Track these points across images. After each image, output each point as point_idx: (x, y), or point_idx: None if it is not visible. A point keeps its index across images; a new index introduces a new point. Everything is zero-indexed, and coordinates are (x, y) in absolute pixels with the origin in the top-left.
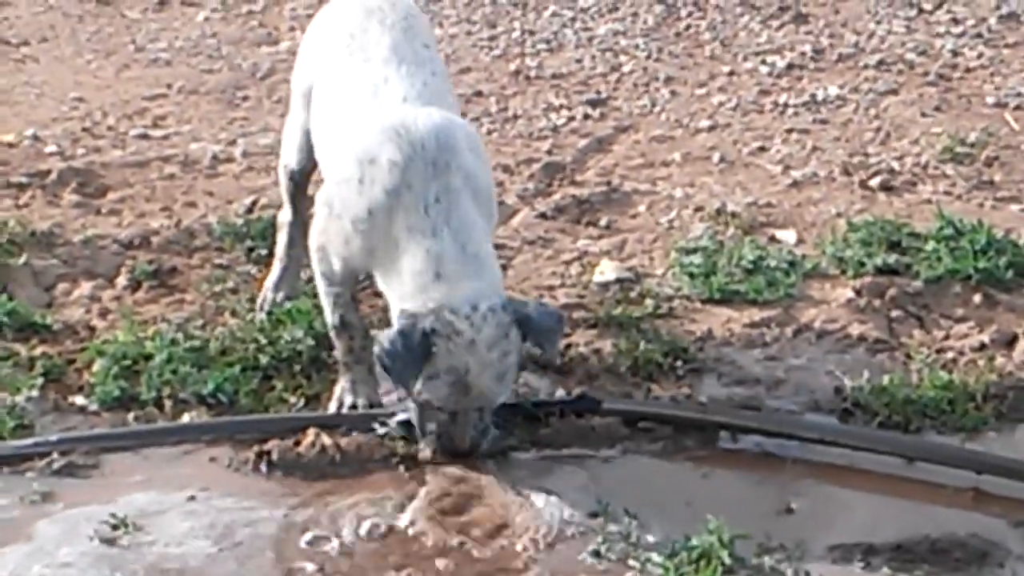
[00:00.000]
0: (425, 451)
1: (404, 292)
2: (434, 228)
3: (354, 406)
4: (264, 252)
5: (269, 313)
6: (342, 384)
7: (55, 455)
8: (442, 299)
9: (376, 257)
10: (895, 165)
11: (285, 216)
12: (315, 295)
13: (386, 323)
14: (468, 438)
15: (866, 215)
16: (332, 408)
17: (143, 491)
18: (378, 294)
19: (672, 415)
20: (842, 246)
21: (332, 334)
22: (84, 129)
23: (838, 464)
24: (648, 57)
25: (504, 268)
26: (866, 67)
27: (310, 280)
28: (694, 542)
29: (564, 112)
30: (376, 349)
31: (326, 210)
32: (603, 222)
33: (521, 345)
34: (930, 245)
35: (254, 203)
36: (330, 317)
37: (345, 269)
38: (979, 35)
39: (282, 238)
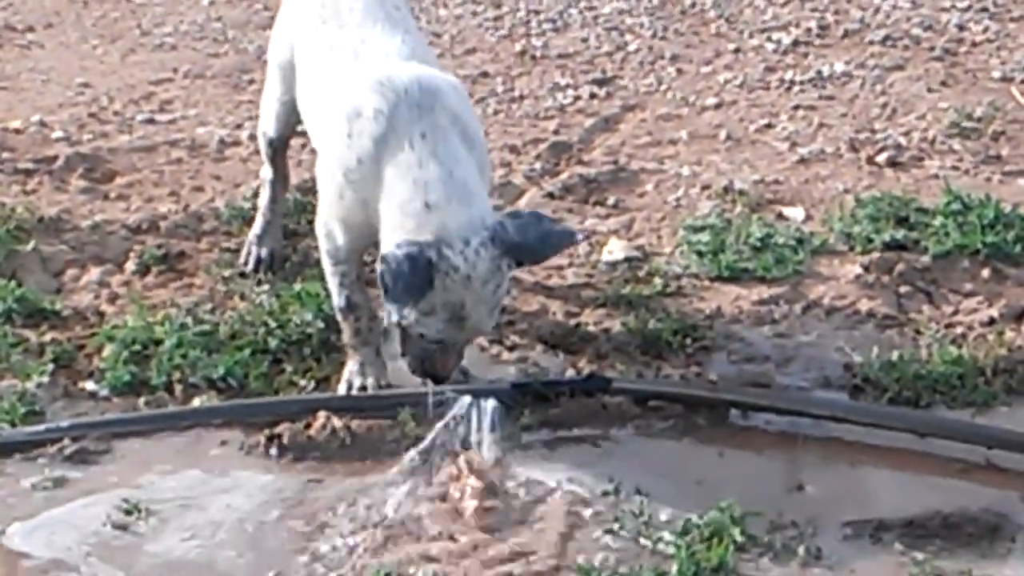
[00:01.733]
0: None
1: (395, 224)
2: (419, 160)
3: (363, 388)
4: None
5: (256, 265)
6: (350, 367)
7: (66, 441)
8: (436, 231)
9: (370, 205)
10: (902, 140)
11: (266, 174)
12: (324, 278)
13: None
14: (451, 364)
15: (873, 191)
16: (341, 391)
17: (156, 476)
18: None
19: (682, 393)
20: (850, 222)
21: (339, 316)
22: (90, 114)
23: (849, 440)
24: (653, 35)
25: None
26: (872, 43)
27: (319, 263)
28: (706, 520)
29: (570, 92)
30: (378, 267)
31: (324, 175)
32: (611, 201)
33: (510, 276)
34: (938, 220)
35: (259, 187)
36: (336, 298)
37: (350, 238)
38: (985, 9)
39: (265, 193)
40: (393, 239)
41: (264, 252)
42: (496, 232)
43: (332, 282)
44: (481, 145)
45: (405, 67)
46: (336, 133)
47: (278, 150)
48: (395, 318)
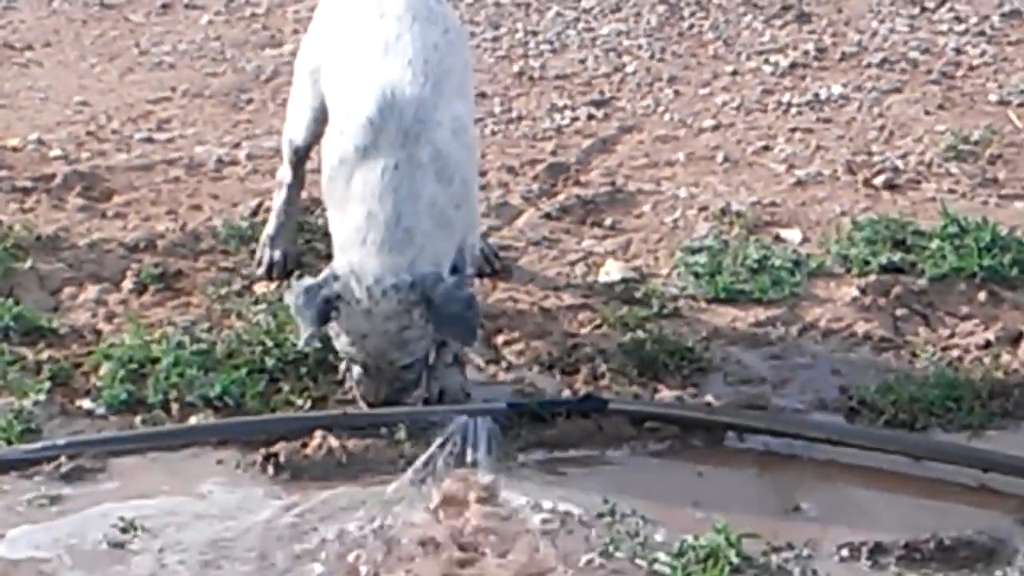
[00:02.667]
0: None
1: (338, 243)
2: (382, 193)
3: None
4: None
5: (270, 268)
6: (267, 231)
7: (63, 459)
8: (355, 265)
9: (334, 197)
10: (899, 163)
11: (285, 176)
12: None
13: None
14: (379, 392)
15: (870, 213)
16: (257, 257)
17: (152, 494)
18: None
19: (678, 415)
20: (847, 245)
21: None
22: (89, 133)
23: (845, 463)
24: (651, 57)
25: (508, 269)
26: (869, 66)
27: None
28: (701, 541)
29: (568, 113)
30: (286, 295)
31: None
32: (608, 222)
33: (426, 323)
34: (935, 243)
35: (259, 206)
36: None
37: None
38: (982, 33)
39: (281, 195)
40: (337, 255)
41: (277, 254)
42: (422, 281)
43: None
44: (463, 184)
45: (416, 84)
46: (336, 125)
47: (302, 158)
48: (302, 338)
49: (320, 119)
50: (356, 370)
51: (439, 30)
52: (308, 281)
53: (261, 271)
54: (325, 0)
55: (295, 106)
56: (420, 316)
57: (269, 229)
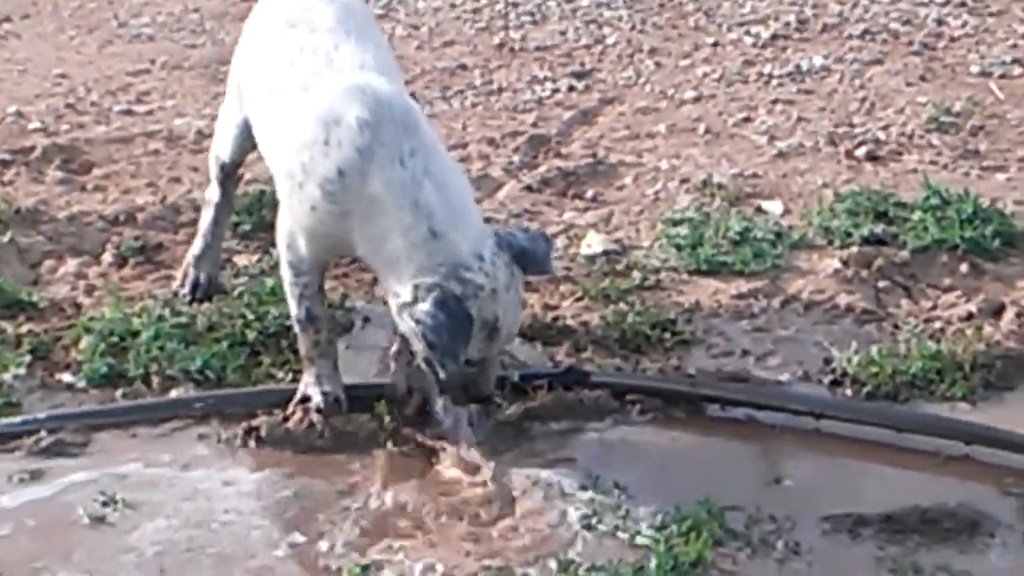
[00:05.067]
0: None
1: (400, 257)
2: (413, 179)
3: (327, 399)
4: (249, 228)
5: (194, 289)
6: (306, 379)
7: (43, 433)
8: (449, 258)
9: (351, 223)
10: (880, 135)
11: (213, 195)
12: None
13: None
14: (492, 382)
15: (852, 185)
16: (294, 404)
17: (133, 468)
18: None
19: (660, 387)
20: (828, 216)
21: (296, 328)
22: (68, 105)
23: (827, 434)
24: (632, 28)
25: None
26: (850, 37)
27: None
28: (684, 514)
29: (549, 84)
30: (415, 328)
31: (287, 184)
32: (589, 194)
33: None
34: (916, 215)
35: (239, 179)
36: (295, 310)
37: (314, 249)
38: (963, 4)
39: (208, 214)
40: (405, 274)
41: (202, 276)
42: (502, 238)
43: (291, 292)
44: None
45: (383, 82)
46: (309, 138)
47: (229, 174)
48: (453, 368)
49: (247, 135)
50: (455, 379)
51: (372, 43)
52: (427, 300)
53: (184, 291)
54: (250, 19)
55: (222, 122)
56: (518, 270)
57: (194, 250)
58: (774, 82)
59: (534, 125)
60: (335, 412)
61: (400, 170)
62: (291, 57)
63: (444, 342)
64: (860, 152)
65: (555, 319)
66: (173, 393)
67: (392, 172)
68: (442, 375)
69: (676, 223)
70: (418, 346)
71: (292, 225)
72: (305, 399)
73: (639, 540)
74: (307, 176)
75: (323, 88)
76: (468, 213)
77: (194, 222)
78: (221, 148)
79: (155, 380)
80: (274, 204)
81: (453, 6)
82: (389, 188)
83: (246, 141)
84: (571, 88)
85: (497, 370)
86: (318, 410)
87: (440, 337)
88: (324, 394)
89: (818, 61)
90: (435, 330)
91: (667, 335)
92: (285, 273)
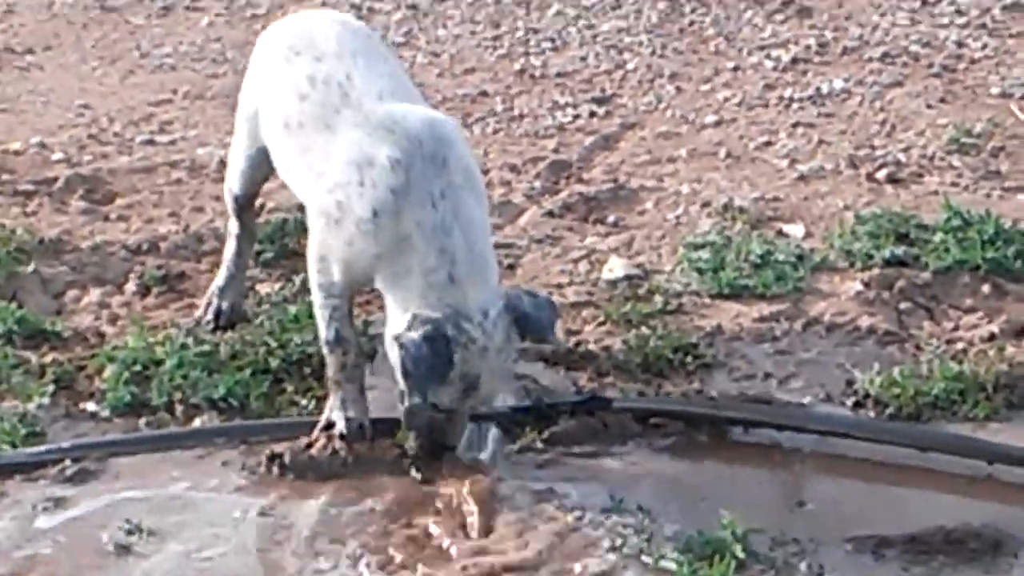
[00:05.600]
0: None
1: (413, 293)
2: (443, 224)
3: (351, 425)
4: (271, 255)
5: (216, 317)
6: (332, 403)
7: (67, 461)
8: (456, 304)
9: (383, 259)
10: (901, 157)
11: (232, 228)
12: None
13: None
14: (459, 435)
15: (873, 207)
16: (319, 429)
17: (157, 495)
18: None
19: (683, 411)
20: (850, 239)
21: (325, 350)
22: (90, 136)
23: (850, 457)
24: (652, 54)
25: (512, 267)
26: (871, 60)
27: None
28: (707, 537)
29: (569, 110)
30: (398, 351)
31: (323, 220)
32: (611, 219)
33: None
34: (938, 236)
35: (261, 207)
36: (324, 331)
37: (347, 277)
38: (983, 25)
39: (231, 246)
40: (410, 308)
41: (225, 305)
42: (510, 302)
43: (321, 315)
44: (483, 192)
45: (408, 110)
46: (341, 179)
47: (244, 207)
48: (417, 401)
49: (259, 166)
50: (420, 419)
51: (380, 59)
52: (418, 330)
53: (207, 319)
54: (255, 51)
55: (233, 155)
56: (516, 337)
57: (219, 280)
58: (795, 105)
59: (555, 151)
60: (359, 439)
61: (432, 212)
62: (302, 89)
63: (418, 374)
64: (881, 174)
65: (577, 344)
66: (197, 422)
67: (424, 214)
68: (403, 404)
69: (698, 247)
70: (398, 376)
71: (326, 254)
72: (329, 425)
73: (663, 563)
74: (343, 214)
75: (349, 128)
76: (487, 265)
77: (216, 251)
78: (233, 181)
79: (179, 408)
80: (296, 232)
81: (473, 33)
82: (420, 229)
83: (258, 173)
84: (592, 114)
85: (465, 425)
86: (341, 436)
87: (416, 368)
88: (348, 420)
89: (838, 84)
90: (415, 360)
91: (689, 359)
92: (316, 296)
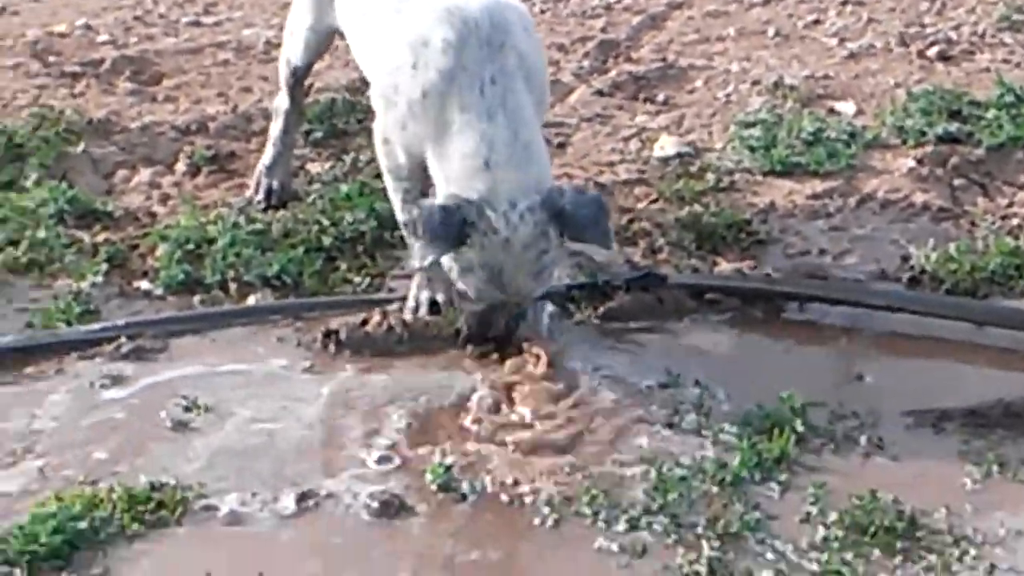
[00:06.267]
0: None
1: (450, 175)
2: (489, 110)
3: (433, 302)
4: (320, 135)
5: (268, 196)
6: (417, 280)
7: (123, 339)
8: (484, 192)
9: (428, 140)
10: (952, 35)
11: (282, 103)
12: (378, 175)
13: None
14: (502, 326)
15: (925, 85)
16: (408, 307)
17: (213, 373)
18: None
19: (738, 287)
20: (902, 116)
21: (404, 232)
22: (136, 17)
23: (907, 332)
24: None
25: (562, 145)
26: None
27: (372, 161)
28: (766, 411)
29: None
30: (412, 212)
31: (382, 102)
32: (660, 98)
33: (560, 241)
34: (991, 113)
35: (309, 86)
36: (400, 214)
37: (410, 160)
38: None
39: (278, 123)
40: (443, 189)
41: (275, 183)
42: (549, 197)
43: (395, 198)
44: (543, 83)
45: None
46: (399, 61)
47: (300, 79)
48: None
49: (323, 39)
50: (469, 306)
51: None
52: (438, 200)
53: (259, 198)
54: None
55: (294, 26)
56: (555, 235)
57: (266, 159)
58: None
59: (603, 30)
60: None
61: (479, 97)
62: None
63: (423, 236)
64: (932, 52)
65: (631, 221)
66: (251, 299)
67: (471, 98)
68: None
69: (749, 125)
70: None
71: (389, 135)
72: (417, 303)
73: (722, 437)
74: (398, 96)
75: (414, 10)
76: (528, 159)
77: (264, 131)
78: (293, 52)
79: (232, 287)
80: (345, 112)
81: None
82: (463, 114)
83: (320, 45)
84: None
85: (507, 319)
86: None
87: (423, 229)
88: (436, 295)
89: None
90: (424, 221)
91: (743, 235)
92: (387, 180)
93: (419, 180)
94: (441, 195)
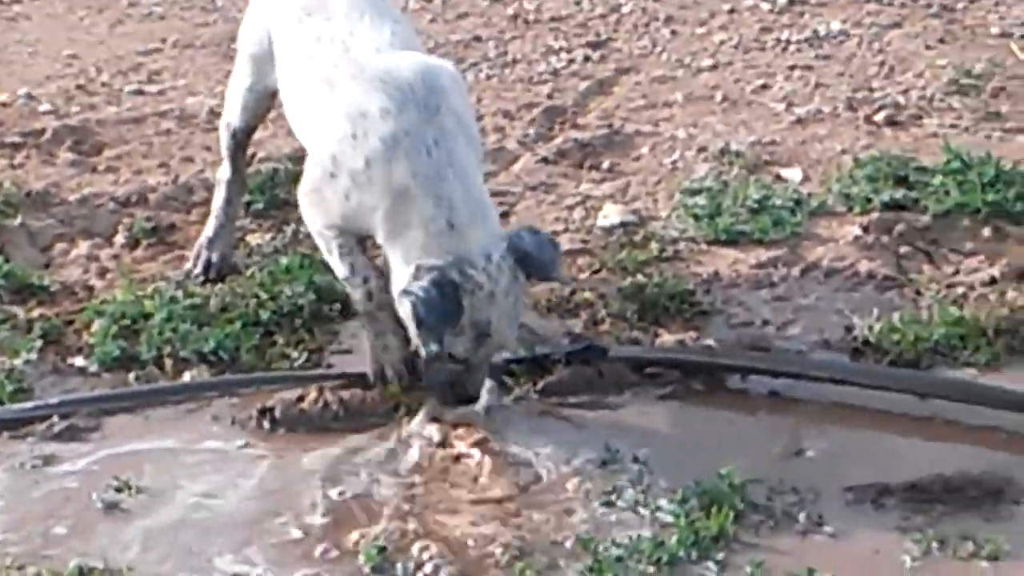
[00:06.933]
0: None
1: (415, 244)
2: (439, 172)
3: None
4: (262, 206)
5: (206, 269)
6: (372, 342)
7: (55, 418)
8: (457, 251)
9: (380, 212)
10: (900, 99)
11: (224, 173)
12: (314, 248)
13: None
14: (480, 384)
15: (872, 150)
16: (371, 371)
17: (146, 452)
18: None
19: (680, 359)
20: (848, 183)
21: (347, 288)
22: (78, 86)
23: (849, 404)
24: None
25: (506, 215)
26: (868, 1)
27: (308, 235)
28: (705, 487)
29: (564, 55)
30: (407, 301)
31: (319, 171)
32: (606, 165)
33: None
34: (937, 179)
35: (252, 156)
36: (340, 269)
37: (346, 225)
38: None
39: (220, 194)
40: (411, 258)
41: (215, 256)
42: (512, 243)
43: (332, 255)
44: (477, 138)
45: (403, 59)
46: (338, 133)
47: (241, 143)
48: (433, 349)
49: (262, 101)
50: (440, 373)
51: (389, 19)
52: (425, 277)
53: (197, 271)
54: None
55: (234, 89)
56: (522, 278)
57: (208, 231)
58: (792, 48)
59: (549, 96)
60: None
61: (426, 160)
62: (310, 49)
63: (430, 320)
64: (879, 117)
65: (572, 292)
66: (186, 376)
67: (419, 162)
68: (422, 353)
69: (694, 192)
70: (411, 329)
71: (321, 204)
72: (379, 366)
73: (660, 515)
74: (339, 168)
75: (347, 81)
76: (486, 210)
77: (207, 201)
78: (232, 114)
79: (168, 363)
80: (286, 181)
81: None
82: (415, 179)
83: (259, 107)
84: (586, 58)
85: (485, 374)
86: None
87: (428, 314)
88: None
89: (836, 26)
90: (426, 304)
91: (686, 306)
92: (320, 241)
93: (352, 234)
94: (401, 269)
